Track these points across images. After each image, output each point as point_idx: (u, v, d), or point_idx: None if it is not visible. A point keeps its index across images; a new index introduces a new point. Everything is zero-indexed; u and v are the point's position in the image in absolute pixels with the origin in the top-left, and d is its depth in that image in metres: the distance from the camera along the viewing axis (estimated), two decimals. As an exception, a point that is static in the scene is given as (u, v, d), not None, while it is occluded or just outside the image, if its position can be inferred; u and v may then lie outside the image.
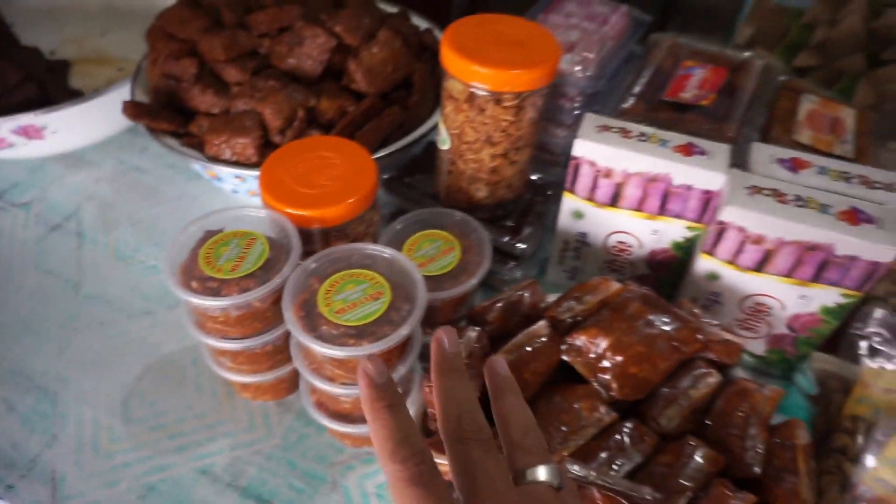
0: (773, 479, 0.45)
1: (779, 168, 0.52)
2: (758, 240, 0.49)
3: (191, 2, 0.67)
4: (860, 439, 0.61)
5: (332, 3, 0.69)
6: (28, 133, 0.68)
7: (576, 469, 0.40)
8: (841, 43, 0.78)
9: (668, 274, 0.59)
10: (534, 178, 0.66)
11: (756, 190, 0.49)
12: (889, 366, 0.58)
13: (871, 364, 0.59)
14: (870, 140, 0.63)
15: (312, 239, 0.50)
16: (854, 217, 0.48)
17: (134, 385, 0.56)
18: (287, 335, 0.49)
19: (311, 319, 0.43)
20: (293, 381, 0.54)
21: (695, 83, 0.63)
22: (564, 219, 0.59)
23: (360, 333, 0.42)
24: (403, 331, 0.42)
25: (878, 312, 0.59)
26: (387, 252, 0.46)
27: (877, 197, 0.50)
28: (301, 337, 0.42)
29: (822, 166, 0.52)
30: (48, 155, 0.74)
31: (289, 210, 0.48)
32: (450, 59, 0.52)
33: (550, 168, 0.66)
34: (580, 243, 0.60)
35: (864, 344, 0.60)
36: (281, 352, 0.50)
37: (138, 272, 0.65)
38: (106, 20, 0.88)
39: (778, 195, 0.49)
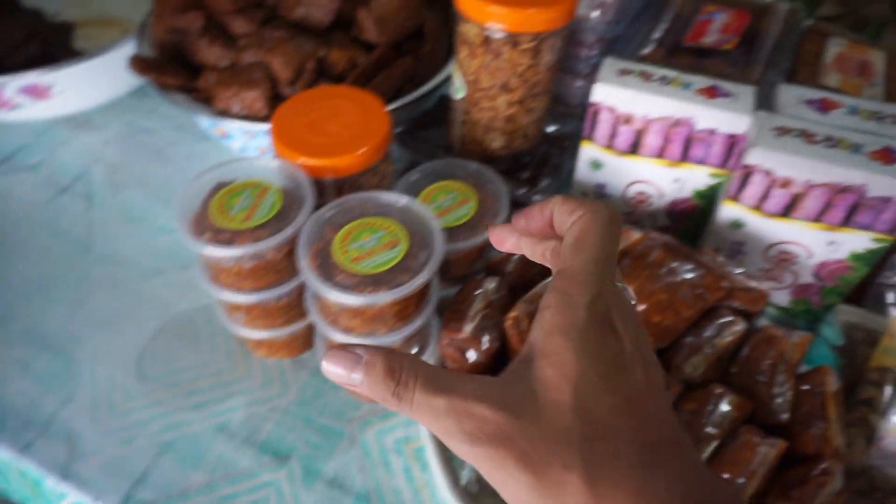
0: (802, 426, 0.43)
1: (807, 109, 0.50)
2: (785, 183, 0.48)
3: (194, -46, 0.65)
4: (887, 391, 0.60)
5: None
6: (34, 93, 0.66)
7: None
8: (866, -11, 0.75)
9: (688, 224, 0.58)
10: (550, 130, 0.64)
11: (784, 131, 0.47)
12: (918, 315, 0.56)
13: (900, 314, 0.57)
14: (900, 84, 0.60)
15: (325, 192, 0.49)
16: (889, 156, 0.46)
17: (147, 344, 0.55)
18: (301, 289, 0.48)
19: (327, 269, 0.42)
20: (307, 339, 0.54)
21: (716, 27, 0.60)
22: (582, 169, 0.57)
23: (377, 282, 0.41)
24: (421, 278, 0.41)
25: (908, 260, 0.57)
26: (402, 200, 0.45)
27: (911, 137, 0.48)
28: (317, 285, 0.41)
29: (853, 106, 0.50)
30: (55, 117, 0.72)
31: (301, 159, 0.47)
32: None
33: (567, 120, 0.64)
34: (599, 195, 0.59)
35: (892, 294, 0.58)
36: (295, 306, 0.49)
37: (149, 232, 0.64)
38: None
39: (807, 136, 0.47)
